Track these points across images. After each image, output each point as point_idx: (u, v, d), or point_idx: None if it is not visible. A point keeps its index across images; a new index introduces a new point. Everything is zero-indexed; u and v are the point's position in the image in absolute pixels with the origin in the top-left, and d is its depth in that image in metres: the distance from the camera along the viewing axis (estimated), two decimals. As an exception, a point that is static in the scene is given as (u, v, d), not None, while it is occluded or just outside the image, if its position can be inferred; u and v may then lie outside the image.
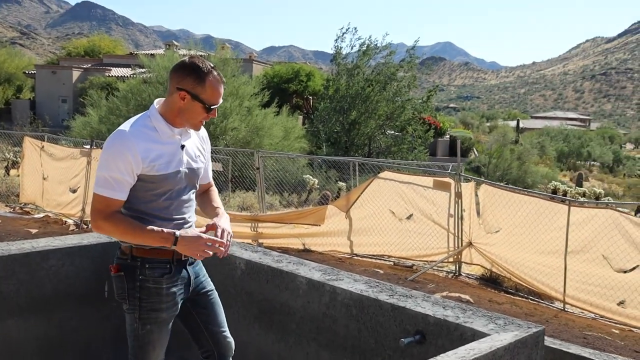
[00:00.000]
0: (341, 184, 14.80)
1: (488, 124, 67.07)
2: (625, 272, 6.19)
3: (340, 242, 8.40)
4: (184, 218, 2.37)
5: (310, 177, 14.95)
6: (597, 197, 17.36)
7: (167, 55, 19.02)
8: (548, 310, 6.65)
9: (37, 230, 9.86)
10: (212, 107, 2.26)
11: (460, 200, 7.47)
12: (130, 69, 38.69)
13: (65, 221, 10.67)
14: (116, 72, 38.87)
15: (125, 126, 2.23)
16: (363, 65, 27.05)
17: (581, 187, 22.66)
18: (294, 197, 14.68)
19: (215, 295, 2.57)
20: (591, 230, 6.31)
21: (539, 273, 6.89)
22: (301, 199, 14.66)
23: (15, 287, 2.98)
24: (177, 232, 2.23)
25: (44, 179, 11.10)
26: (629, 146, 79.38)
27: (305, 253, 8.26)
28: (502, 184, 10.87)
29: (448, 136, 40.30)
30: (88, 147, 10.66)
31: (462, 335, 2.52)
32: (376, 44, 27.24)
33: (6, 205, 11.96)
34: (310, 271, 4.92)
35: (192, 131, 2.39)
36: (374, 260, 8.25)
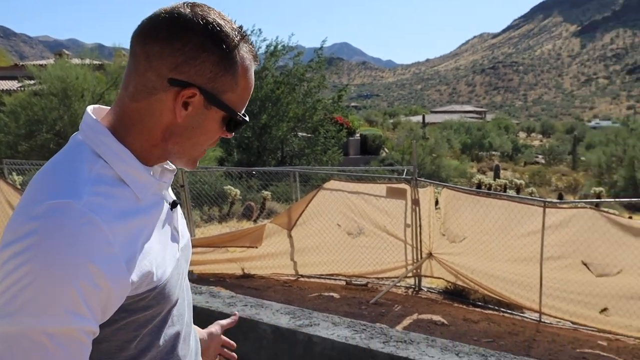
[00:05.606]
0: (265, 192, 13.79)
1: (391, 121, 68.27)
2: (608, 276, 5.66)
3: (282, 263, 7.42)
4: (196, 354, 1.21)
5: (232, 187, 13.83)
6: (519, 188, 17.41)
7: (59, 64, 17.19)
8: (526, 324, 6.03)
9: None
10: (241, 115, 1.05)
11: (417, 208, 6.72)
12: (16, 81, 35.55)
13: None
14: (0, 84, 35.60)
15: (64, 189, 0.88)
16: (271, 67, 26.23)
17: (499, 178, 22.90)
18: (214, 211, 13.54)
19: None
20: (570, 234, 5.74)
21: (510, 283, 6.26)
22: (223, 212, 13.53)
23: None
24: None
25: None
26: (522, 134, 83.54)
27: (245, 279, 7.24)
28: (467, 187, 10.31)
29: (358, 135, 40.17)
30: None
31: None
32: (284, 45, 26.55)
33: None
34: (275, 315, 3.96)
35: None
36: (323, 281, 7.35)
